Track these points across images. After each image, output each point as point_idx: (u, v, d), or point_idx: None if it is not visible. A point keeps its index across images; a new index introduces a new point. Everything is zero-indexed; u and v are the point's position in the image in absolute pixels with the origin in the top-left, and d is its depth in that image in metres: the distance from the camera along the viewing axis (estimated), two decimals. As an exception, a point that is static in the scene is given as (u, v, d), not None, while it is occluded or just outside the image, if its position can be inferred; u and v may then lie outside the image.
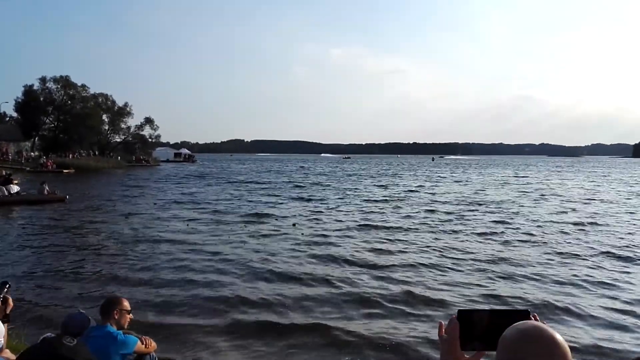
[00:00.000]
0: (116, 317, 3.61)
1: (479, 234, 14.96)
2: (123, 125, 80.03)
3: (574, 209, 21.81)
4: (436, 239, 14.23)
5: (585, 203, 24.79)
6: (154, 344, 3.92)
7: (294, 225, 16.79)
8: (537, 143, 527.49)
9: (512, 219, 18.58)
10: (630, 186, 38.93)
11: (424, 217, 18.90)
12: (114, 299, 3.85)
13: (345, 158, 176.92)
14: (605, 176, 56.54)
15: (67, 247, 12.73)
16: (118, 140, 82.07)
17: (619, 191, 33.48)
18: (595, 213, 20.45)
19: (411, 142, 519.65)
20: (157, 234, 14.60)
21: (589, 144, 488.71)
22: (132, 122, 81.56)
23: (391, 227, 16.36)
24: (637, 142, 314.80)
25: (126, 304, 3.76)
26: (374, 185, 38.60)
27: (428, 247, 12.90)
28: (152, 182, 39.58)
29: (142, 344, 3.73)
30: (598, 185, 39.90)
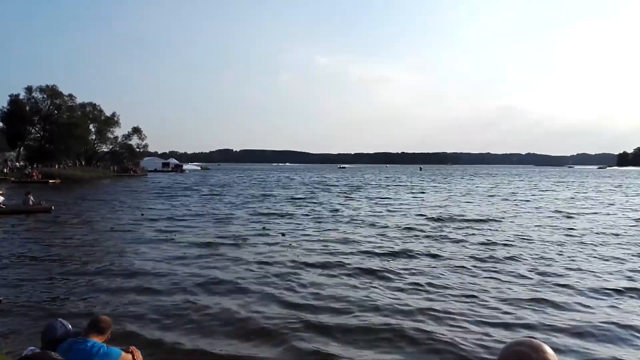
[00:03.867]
0: (106, 338, 3.70)
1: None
2: (110, 135, 79.91)
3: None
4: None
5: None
6: (139, 353, 3.96)
7: (282, 234, 16.99)
8: (523, 152, 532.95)
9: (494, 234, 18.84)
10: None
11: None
12: (109, 321, 3.87)
13: (340, 168, 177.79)
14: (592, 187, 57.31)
15: (50, 258, 12.64)
16: (105, 150, 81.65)
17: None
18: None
19: (400, 151, 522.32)
20: (143, 246, 14.56)
21: (575, 154, 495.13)
22: (120, 131, 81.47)
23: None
24: (620, 152, 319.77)
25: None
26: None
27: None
28: (139, 193, 39.36)
29: (128, 353, 3.76)
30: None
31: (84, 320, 4.49)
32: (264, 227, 18.88)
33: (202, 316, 7.98)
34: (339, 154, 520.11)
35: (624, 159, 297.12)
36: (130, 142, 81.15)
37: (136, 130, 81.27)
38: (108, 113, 79.11)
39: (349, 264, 11.97)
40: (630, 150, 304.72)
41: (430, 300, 8.94)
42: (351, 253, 13.48)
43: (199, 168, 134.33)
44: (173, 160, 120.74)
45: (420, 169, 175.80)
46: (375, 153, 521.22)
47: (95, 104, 78.20)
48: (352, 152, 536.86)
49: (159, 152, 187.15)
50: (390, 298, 9.05)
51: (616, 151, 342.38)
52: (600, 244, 15.15)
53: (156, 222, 20.42)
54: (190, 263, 12.09)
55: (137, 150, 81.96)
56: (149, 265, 11.77)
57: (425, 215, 23.11)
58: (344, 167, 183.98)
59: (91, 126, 76.57)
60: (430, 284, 10.00)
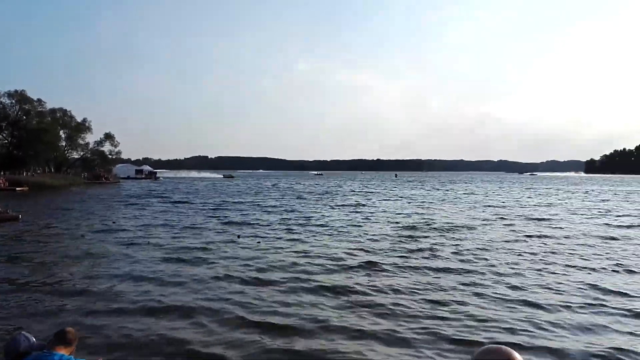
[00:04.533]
0: (72, 350, 3.67)
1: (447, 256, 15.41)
2: (81, 142, 78.21)
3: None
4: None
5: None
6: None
7: (258, 243, 17.02)
8: (496, 160, 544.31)
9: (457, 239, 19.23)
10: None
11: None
12: (75, 332, 3.82)
13: (317, 175, 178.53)
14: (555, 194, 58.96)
15: (17, 267, 12.38)
16: (76, 156, 79.90)
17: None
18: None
19: (376, 158, 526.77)
20: (113, 254, 14.39)
21: (545, 161, 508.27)
22: (92, 138, 79.85)
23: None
24: (588, 159, 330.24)
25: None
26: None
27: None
28: (110, 201, 38.67)
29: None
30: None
31: (49, 333, 4.43)
32: (239, 236, 18.86)
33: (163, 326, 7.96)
34: (316, 161, 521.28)
35: (591, 166, 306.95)
36: (102, 149, 79.68)
37: (108, 137, 79.87)
38: (79, 119, 77.64)
39: (311, 278, 11.30)
40: (597, 158, 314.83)
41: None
42: (318, 265, 12.98)
43: (222, 176, 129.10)
44: (147, 167, 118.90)
45: (396, 175, 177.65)
46: (351, 160, 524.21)
47: (65, 110, 76.63)
48: (329, 159, 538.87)
49: (132, 159, 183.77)
50: (344, 318, 8.36)
51: (584, 158, 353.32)
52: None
53: (127, 231, 20.09)
54: (159, 273, 11.91)
55: (110, 156, 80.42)
56: (117, 275, 11.60)
57: (398, 223, 23.40)
58: (320, 174, 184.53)
59: (61, 132, 74.92)
60: (396, 304, 9.19)
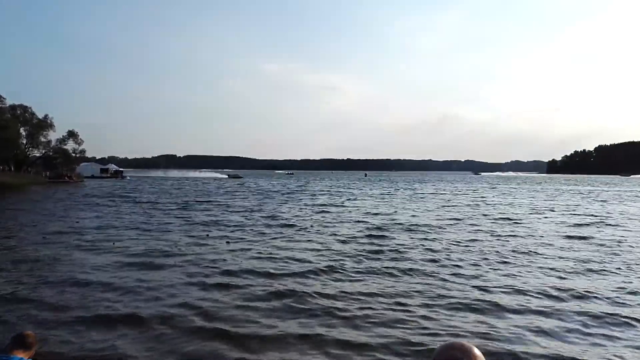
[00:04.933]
0: (32, 354, 3.67)
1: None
2: (43, 139, 75.71)
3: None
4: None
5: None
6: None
7: (227, 243, 17.01)
8: (463, 160, 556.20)
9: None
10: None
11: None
12: (35, 336, 3.80)
13: (289, 174, 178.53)
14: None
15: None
16: (37, 155, 77.34)
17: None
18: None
19: (346, 157, 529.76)
20: (73, 258, 14.00)
21: (509, 161, 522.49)
22: (54, 135, 77.41)
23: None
24: (550, 159, 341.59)
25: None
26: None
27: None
28: (74, 200, 37.65)
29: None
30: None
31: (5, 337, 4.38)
32: (207, 235, 18.79)
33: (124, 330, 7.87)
34: (286, 160, 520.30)
35: (553, 166, 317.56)
36: (65, 147, 77.38)
37: (72, 135, 77.63)
38: (41, 116, 75.18)
39: (276, 282, 11.11)
40: (558, 158, 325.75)
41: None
42: (284, 268, 12.91)
43: (226, 177, 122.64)
44: (112, 166, 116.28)
45: (365, 175, 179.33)
46: (321, 159, 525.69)
47: (26, 106, 74.12)
48: (299, 158, 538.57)
49: (97, 158, 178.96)
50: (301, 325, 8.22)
51: (546, 159, 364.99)
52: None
53: (89, 233, 19.58)
54: (118, 278, 11.56)
55: (73, 155, 78.18)
56: (74, 281, 11.19)
57: (366, 223, 23.72)
58: (291, 174, 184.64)
59: (22, 129, 72.36)
60: (361, 308, 9.10)
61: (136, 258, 13.94)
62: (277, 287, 10.60)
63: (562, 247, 16.68)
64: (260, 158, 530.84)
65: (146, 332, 7.81)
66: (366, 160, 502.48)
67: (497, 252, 15.52)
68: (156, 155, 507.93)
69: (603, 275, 12.28)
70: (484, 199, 45.57)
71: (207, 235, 18.74)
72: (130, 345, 7.28)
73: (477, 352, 1.28)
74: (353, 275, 12.07)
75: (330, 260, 13.94)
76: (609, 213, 30.78)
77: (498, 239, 18.41)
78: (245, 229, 21.22)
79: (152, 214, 27.47)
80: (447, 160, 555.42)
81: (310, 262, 13.69)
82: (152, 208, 31.41)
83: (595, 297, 10.02)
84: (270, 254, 14.92)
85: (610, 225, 23.77)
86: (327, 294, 10.18)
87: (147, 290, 10.36)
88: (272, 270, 12.39)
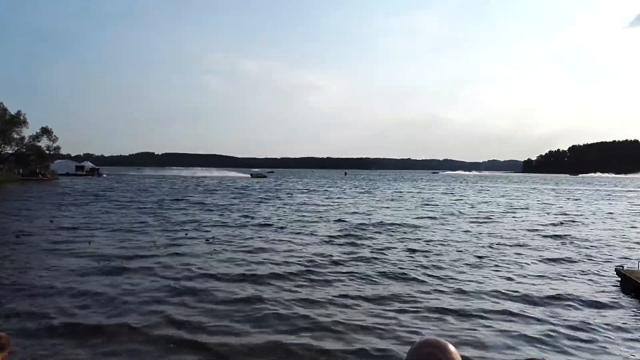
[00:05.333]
0: (4, 356, 3.74)
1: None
2: (16, 136, 73.88)
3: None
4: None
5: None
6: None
7: (207, 241, 17.13)
8: (441, 159, 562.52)
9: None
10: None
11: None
12: (7, 337, 3.77)
13: (269, 172, 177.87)
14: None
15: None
16: (10, 151, 75.47)
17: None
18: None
19: (326, 156, 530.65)
20: (53, 254, 13.85)
21: (486, 160, 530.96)
22: (27, 132, 75.61)
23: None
24: (525, 159, 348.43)
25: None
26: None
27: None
28: (47, 198, 36.90)
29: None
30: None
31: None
32: (186, 233, 18.82)
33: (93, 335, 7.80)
34: (266, 159, 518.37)
35: (528, 166, 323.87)
36: (38, 144, 75.68)
37: (45, 131, 75.84)
38: (13, 112, 73.37)
39: (250, 287, 10.90)
40: (534, 158, 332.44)
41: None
42: (261, 270, 12.80)
43: (248, 176, 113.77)
44: (88, 164, 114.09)
45: (345, 173, 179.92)
46: (301, 158, 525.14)
47: (-3, 102, 72.11)
48: (279, 157, 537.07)
49: (73, 155, 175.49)
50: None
51: (522, 158, 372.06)
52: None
53: (61, 231, 19.26)
54: (84, 283, 11.15)
55: (47, 152, 76.54)
56: (36, 287, 10.86)
57: (345, 222, 23.86)
58: (272, 172, 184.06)
59: (-7, 126, 70.54)
60: (333, 315, 8.98)
61: (108, 261, 13.56)
62: (250, 293, 10.46)
63: (536, 247, 16.98)
64: (240, 156, 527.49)
65: (112, 343, 7.58)
66: (346, 159, 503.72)
67: (476, 252, 15.67)
68: (134, 153, 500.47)
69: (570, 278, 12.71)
70: (461, 197, 46.33)
71: (187, 233, 18.78)
72: (96, 357, 7.10)
73: (452, 348, 1.29)
74: (327, 278, 12.00)
75: (306, 262, 13.92)
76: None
77: (474, 238, 18.64)
78: (222, 228, 21.08)
79: (125, 213, 27.10)
80: (427, 160, 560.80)
81: (286, 263, 13.63)
82: (127, 207, 31.07)
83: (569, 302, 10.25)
84: (245, 256, 14.75)
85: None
86: (301, 298, 10.09)
87: (117, 296, 10.06)
88: (246, 273, 12.27)
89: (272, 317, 8.87)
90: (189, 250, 15.52)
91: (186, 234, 18.57)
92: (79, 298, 9.97)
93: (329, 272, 12.67)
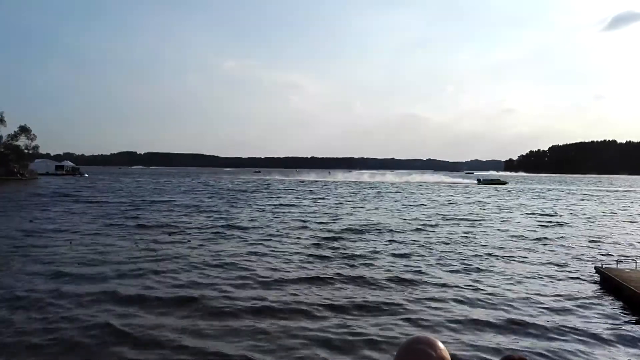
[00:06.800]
0: None
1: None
2: (-7, 134, 72.22)
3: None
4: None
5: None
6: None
7: (188, 241, 16.80)
8: (424, 158, 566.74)
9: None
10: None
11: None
12: None
13: (256, 172, 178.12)
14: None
15: None
16: (-14, 151, 73.77)
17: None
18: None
19: (309, 156, 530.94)
20: (33, 255, 13.73)
21: (469, 160, 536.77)
22: (5, 131, 74.07)
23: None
24: (507, 158, 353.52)
25: None
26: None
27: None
28: (24, 199, 36.07)
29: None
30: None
31: None
32: (169, 234, 18.64)
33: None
34: (250, 158, 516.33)
35: (510, 165, 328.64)
36: (17, 143, 74.13)
37: (24, 130, 74.54)
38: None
39: (217, 296, 10.31)
40: (515, 157, 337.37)
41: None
42: (231, 277, 12.23)
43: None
44: (68, 163, 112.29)
45: (329, 173, 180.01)
46: (285, 157, 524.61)
47: (-26, 101, 70.51)
48: (263, 156, 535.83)
49: (53, 154, 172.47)
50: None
51: (503, 158, 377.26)
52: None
53: (33, 234, 18.84)
54: (34, 292, 10.35)
55: (26, 151, 75.07)
56: (30, 282, 10.86)
57: (327, 224, 23.85)
58: (258, 171, 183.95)
59: (-31, 125, 68.89)
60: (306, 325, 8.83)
61: (62, 266, 12.88)
62: (222, 303, 9.81)
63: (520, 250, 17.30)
64: (223, 156, 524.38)
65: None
66: (330, 158, 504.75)
67: (462, 255, 15.97)
68: (115, 152, 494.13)
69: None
70: (448, 199, 46.65)
71: (170, 234, 18.59)
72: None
73: (441, 344, 1.33)
74: (298, 285, 11.53)
75: (277, 265, 13.71)
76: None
77: (460, 240, 18.98)
78: (197, 232, 20.53)
79: (98, 214, 26.58)
80: (410, 159, 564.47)
81: (257, 268, 13.47)
82: (101, 207, 30.53)
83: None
84: (219, 260, 14.40)
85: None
86: (267, 306, 9.59)
87: (71, 308, 9.38)
88: (220, 282, 11.57)
89: (234, 332, 8.81)
90: (163, 254, 15.32)
91: (170, 235, 18.26)
92: (31, 310, 9.37)
93: (295, 279, 12.59)
